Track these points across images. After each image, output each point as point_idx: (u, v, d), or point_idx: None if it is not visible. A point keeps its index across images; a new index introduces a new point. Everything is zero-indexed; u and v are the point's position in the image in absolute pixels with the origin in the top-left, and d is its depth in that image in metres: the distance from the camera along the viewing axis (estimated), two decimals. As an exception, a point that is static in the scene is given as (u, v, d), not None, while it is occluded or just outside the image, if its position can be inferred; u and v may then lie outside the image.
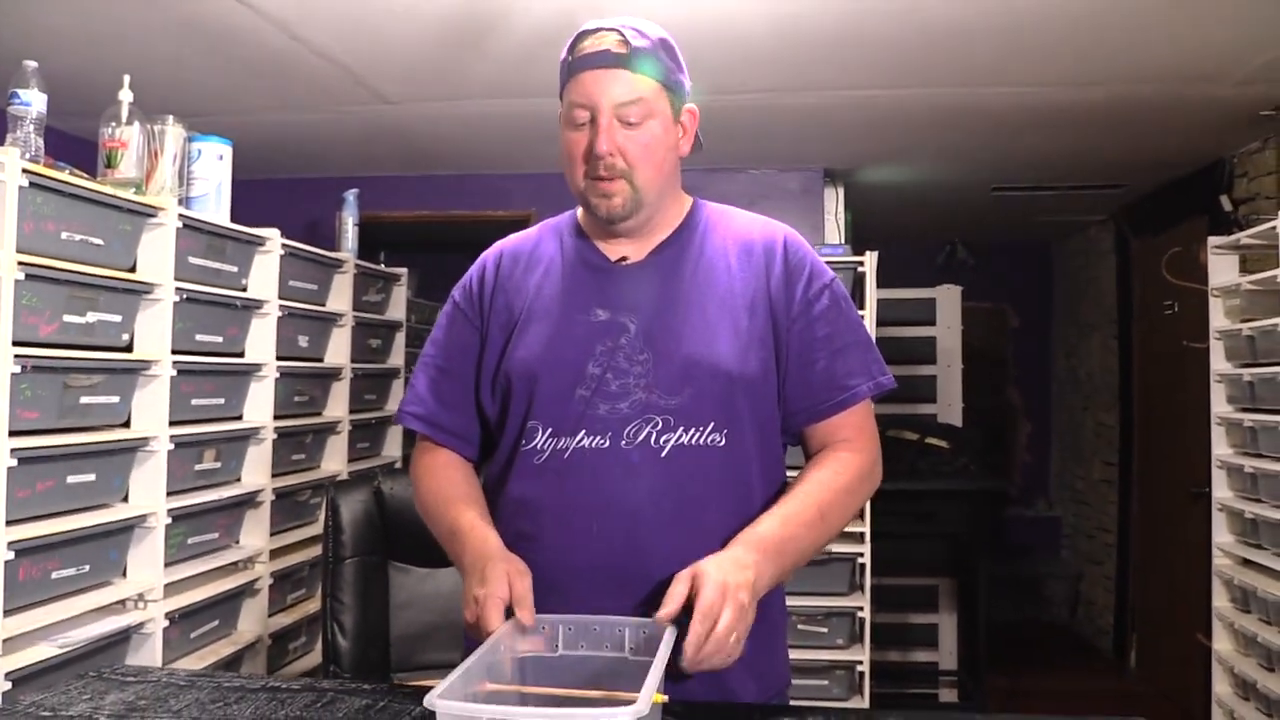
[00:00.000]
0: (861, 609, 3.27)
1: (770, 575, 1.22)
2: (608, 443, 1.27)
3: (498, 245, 1.48)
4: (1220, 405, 3.14)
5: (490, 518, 1.35)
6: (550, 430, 1.30)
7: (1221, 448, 3.13)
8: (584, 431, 1.28)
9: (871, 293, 3.34)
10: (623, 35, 1.28)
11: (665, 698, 1.03)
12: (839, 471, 1.33)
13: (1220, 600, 3.10)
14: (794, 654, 3.24)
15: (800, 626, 3.31)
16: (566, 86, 1.32)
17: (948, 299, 4.48)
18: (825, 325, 1.35)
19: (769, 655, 1.36)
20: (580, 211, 1.43)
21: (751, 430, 1.32)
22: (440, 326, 1.46)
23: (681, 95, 1.35)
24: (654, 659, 1.02)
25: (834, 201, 4.18)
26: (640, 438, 1.27)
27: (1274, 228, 2.71)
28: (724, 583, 1.13)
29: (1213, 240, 3.17)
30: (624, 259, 1.37)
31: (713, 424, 1.29)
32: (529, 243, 1.45)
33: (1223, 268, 3.15)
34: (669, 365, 1.29)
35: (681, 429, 1.27)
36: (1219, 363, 3.14)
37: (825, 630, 3.31)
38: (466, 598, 1.22)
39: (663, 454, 1.27)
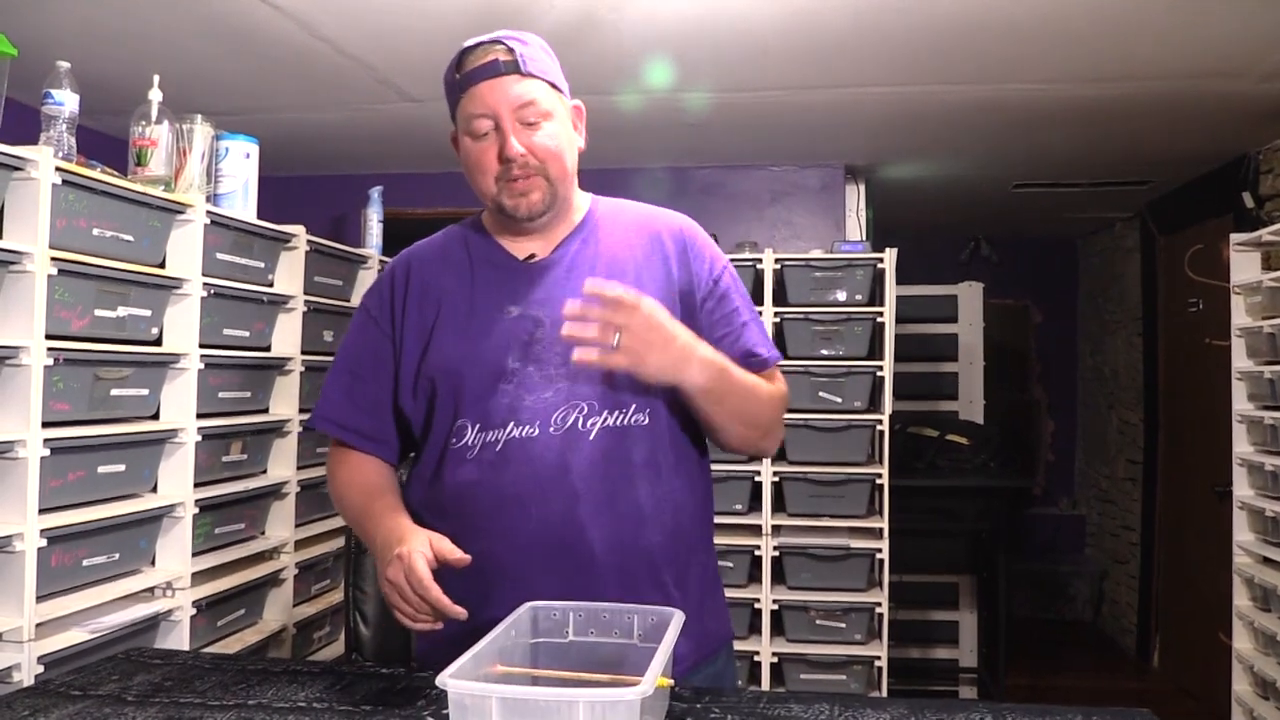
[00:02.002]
0: (879, 604, 3.29)
1: (703, 368, 1.29)
2: (537, 431, 1.33)
3: (405, 253, 1.53)
4: (1241, 403, 3.13)
5: (402, 506, 1.40)
6: (479, 425, 1.36)
7: (1242, 445, 3.12)
8: (513, 423, 1.34)
9: (890, 289, 3.35)
10: (506, 45, 1.36)
11: (671, 682, 1.06)
12: (766, 384, 1.43)
13: (1240, 599, 3.09)
14: (812, 649, 3.29)
15: (818, 622, 3.33)
16: (461, 102, 1.37)
17: (969, 296, 4.49)
18: (731, 302, 1.46)
19: (708, 612, 1.44)
20: (485, 215, 1.49)
21: (672, 407, 1.39)
22: (352, 333, 1.50)
23: (566, 92, 1.44)
24: (660, 645, 1.05)
25: (855, 198, 4.18)
26: (568, 423, 1.33)
27: (1296, 225, 2.70)
28: (651, 306, 1.24)
29: (1235, 237, 3.16)
30: (532, 256, 1.43)
31: (634, 405, 1.36)
32: (435, 247, 1.51)
33: (1245, 265, 3.14)
34: None
35: (606, 412, 1.34)
36: (1240, 360, 3.13)
37: (844, 625, 3.33)
38: (382, 567, 1.26)
39: (590, 436, 1.33)
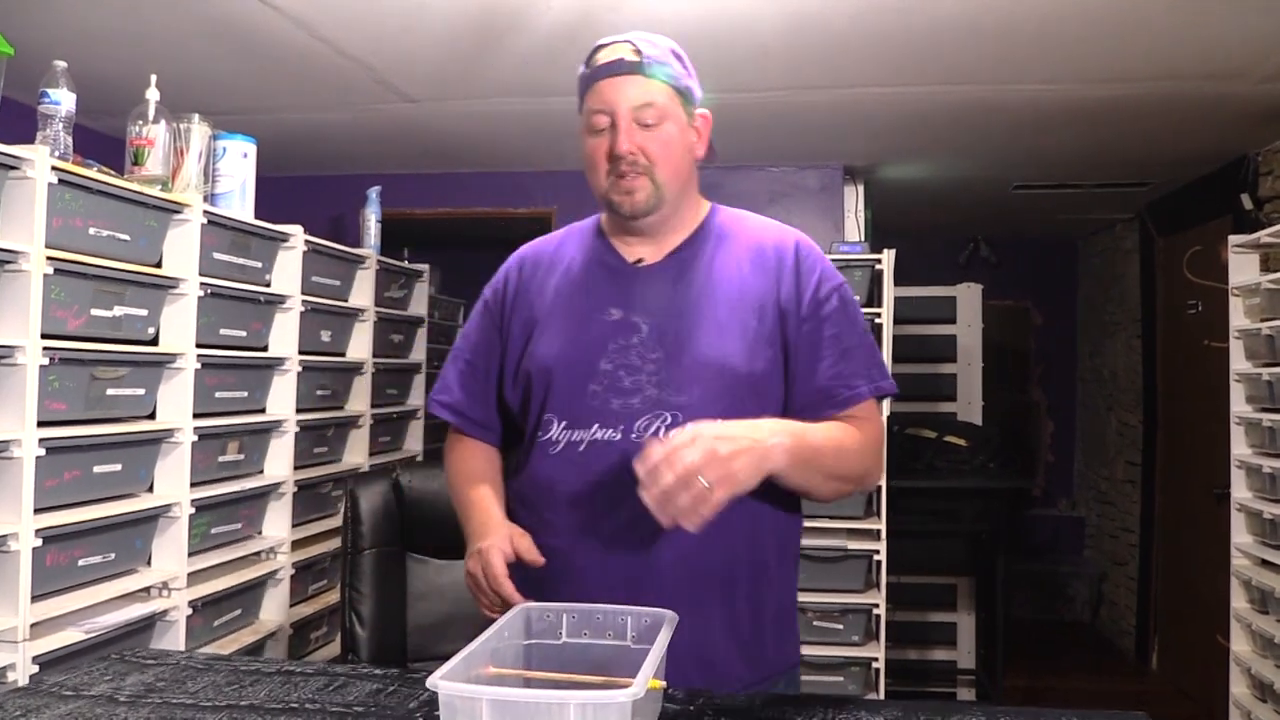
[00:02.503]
0: (877, 606, 3.29)
1: (782, 449, 1.22)
2: (619, 435, 1.33)
3: (523, 249, 1.56)
4: (1239, 405, 3.12)
5: (501, 495, 1.45)
6: (565, 422, 1.37)
7: (1241, 448, 3.12)
8: (597, 424, 1.35)
9: (889, 290, 3.34)
10: (635, 45, 1.38)
11: (663, 683, 1.05)
12: (851, 431, 1.37)
13: (1238, 601, 3.09)
14: (808, 650, 3.28)
15: (815, 623, 3.33)
16: (586, 97, 1.40)
17: (968, 297, 4.48)
18: (833, 326, 1.40)
19: (775, 638, 1.43)
20: (602, 216, 1.50)
21: None
22: (471, 322, 1.56)
23: (693, 101, 1.43)
24: (653, 646, 1.05)
25: (854, 199, 4.18)
26: (650, 431, 1.32)
27: (1294, 226, 2.70)
28: (698, 431, 1.16)
29: (1233, 239, 3.16)
30: (640, 261, 1.44)
31: (719, 420, 1.31)
32: (551, 245, 1.53)
33: (1243, 266, 3.14)
34: (679, 364, 1.35)
35: (689, 424, 1.30)
36: (1239, 362, 3.12)
37: (841, 627, 3.32)
38: (469, 556, 1.34)
39: None
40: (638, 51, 1.37)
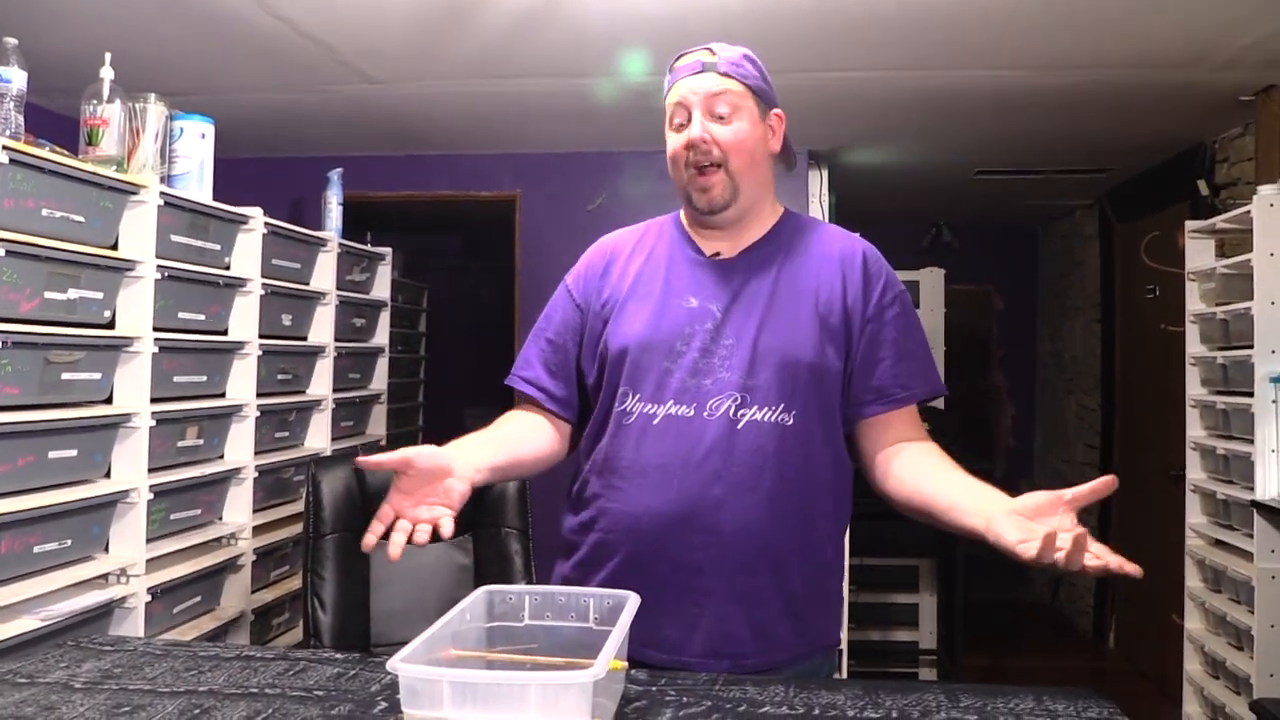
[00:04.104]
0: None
1: None
2: (692, 412, 1.43)
3: (606, 237, 1.67)
4: (1194, 388, 3.17)
5: (504, 450, 1.47)
6: (639, 397, 1.47)
7: (1195, 430, 3.17)
8: (672, 401, 1.44)
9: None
10: (710, 49, 1.50)
11: (624, 664, 1.06)
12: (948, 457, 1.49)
13: (1192, 580, 3.14)
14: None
15: (780, 604, 3.35)
16: (667, 97, 1.51)
17: (931, 281, 4.51)
18: (893, 330, 1.51)
19: (821, 613, 1.50)
20: (682, 211, 1.61)
21: (818, 415, 1.46)
22: (552, 304, 1.65)
23: (767, 99, 1.53)
24: (614, 627, 1.05)
25: (818, 183, 4.19)
26: (720, 410, 1.42)
27: (1248, 212, 2.74)
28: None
29: (1190, 224, 3.20)
30: (718, 254, 1.54)
31: (783, 405, 1.43)
32: (634, 236, 1.64)
33: (1199, 252, 3.18)
34: (750, 351, 1.44)
35: (756, 406, 1.42)
36: (1194, 345, 3.17)
37: (804, 608, 3.34)
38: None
39: (739, 426, 1.42)
40: (712, 53, 1.48)
